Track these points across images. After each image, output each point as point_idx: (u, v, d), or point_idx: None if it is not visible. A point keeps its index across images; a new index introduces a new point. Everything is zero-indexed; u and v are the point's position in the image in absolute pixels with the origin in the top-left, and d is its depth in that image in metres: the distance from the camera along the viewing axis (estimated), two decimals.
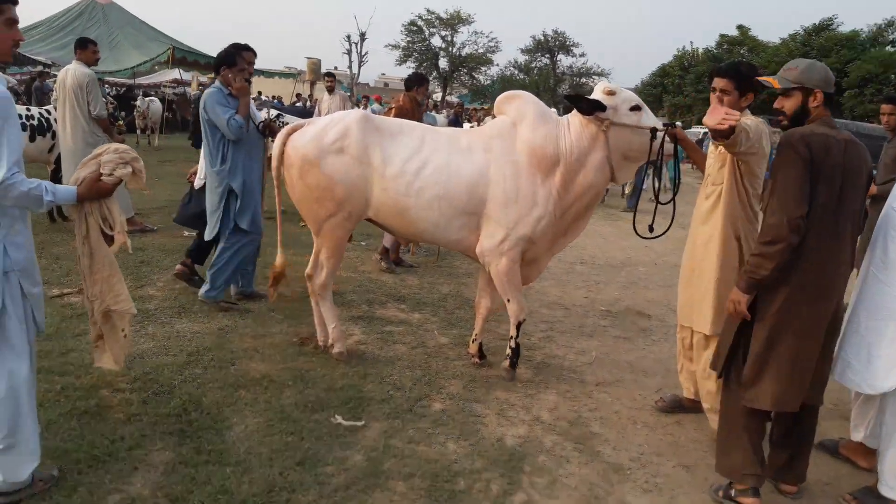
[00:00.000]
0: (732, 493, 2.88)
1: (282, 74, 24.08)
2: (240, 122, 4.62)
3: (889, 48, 29.91)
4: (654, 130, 3.62)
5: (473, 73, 48.78)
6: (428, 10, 46.93)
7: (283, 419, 3.35)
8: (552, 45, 50.51)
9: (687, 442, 3.54)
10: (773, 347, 2.70)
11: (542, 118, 3.83)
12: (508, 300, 4.00)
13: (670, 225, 3.79)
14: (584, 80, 50.94)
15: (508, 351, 4.15)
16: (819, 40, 32.40)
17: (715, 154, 3.36)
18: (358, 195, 3.86)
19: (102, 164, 2.69)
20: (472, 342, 4.34)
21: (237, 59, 4.78)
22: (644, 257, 8.42)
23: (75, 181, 2.64)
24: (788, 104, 2.76)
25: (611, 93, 3.72)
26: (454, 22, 47.08)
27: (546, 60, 51.23)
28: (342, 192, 3.83)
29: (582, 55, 50.93)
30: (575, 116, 3.79)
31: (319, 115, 9.92)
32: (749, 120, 3.10)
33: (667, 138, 3.62)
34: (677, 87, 43.10)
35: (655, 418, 3.79)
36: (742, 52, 39.48)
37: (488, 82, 49.04)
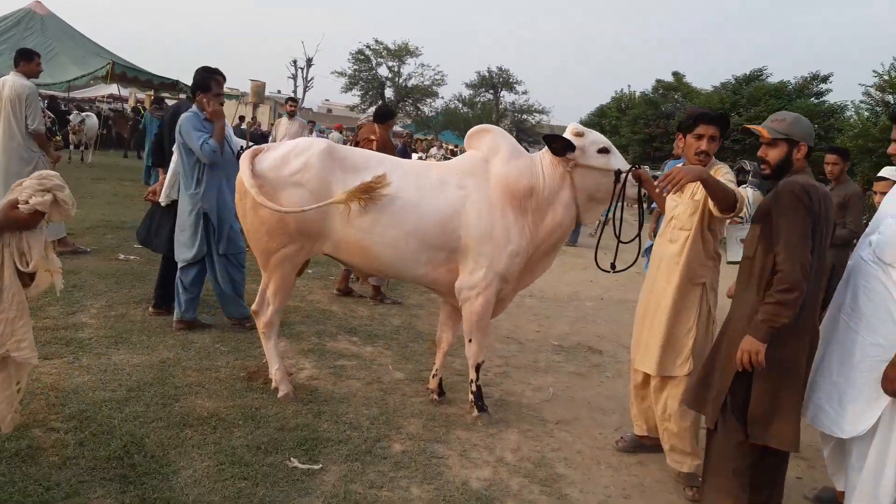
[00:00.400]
0: None
1: (225, 96, 23.55)
2: (213, 146, 4.62)
3: (814, 100, 31.69)
4: (618, 173, 3.65)
5: (419, 104, 49.13)
6: (376, 41, 47.22)
7: (234, 462, 3.13)
8: (496, 81, 51.55)
9: (652, 483, 3.49)
10: (784, 388, 2.72)
11: (515, 152, 3.80)
12: (470, 340, 3.89)
13: (634, 261, 3.80)
14: (525, 116, 52.17)
15: (471, 396, 4.03)
16: (749, 89, 33.96)
17: (683, 199, 3.39)
18: (314, 230, 3.70)
19: (22, 189, 2.43)
20: (433, 377, 4.21)
21: (211, 83, 4.78)
22: (590, 292, 8.50)
23: None
24: (773, 154, 2.81)
25: (579, 134, 3.72)
26: (401, 53, 47.41)
27: (490, 96, 52.20)
28: (296, 227, 3.66)
29: (524, 92, 51.95)
30: (546, 154, 3.78)
31: (276, 139, 9.73)
32: (731, 176, 3.27)
33: (632, 181, 3.65)
34: (614, 127, 44.46)
35: (618, 458, 3.74)
36: (676, 97, 41.15)
37: (433, 114, 49.50)
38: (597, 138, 3.75)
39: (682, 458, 3.42)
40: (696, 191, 3.33)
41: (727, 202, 3.05)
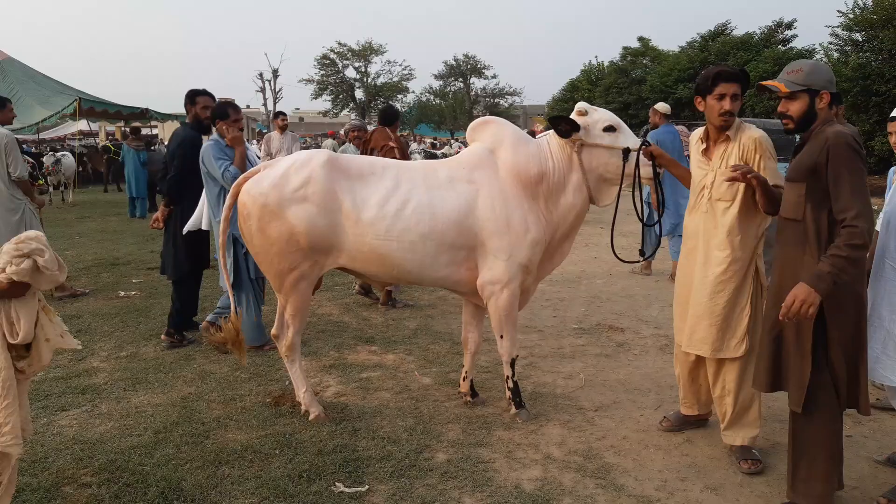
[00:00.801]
0: None
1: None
2: (234, 172, 4.65)
3: (780, 47, 31.73)
4: (626, 151, 3.53)
5: (391, 102, 48.87)
6: (339, 43, 46.83)
7: (278, 495, 3.01)
8: (464, 69, 51.33)
9: (705, 461, 3.40)
10: (860, 350, 2.61)
11: (520, 139, 3.69)
12: (502, 336, 3.79)
13: (656, 249, 3.70)
14: (498, 100, 52.02)
15: (508, 393, 3.93)
16: (716, 45, 33.98)
17: (713, 167, 3.22)
18: (326, 245, 3.57)
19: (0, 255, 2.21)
20: (463, 380, 4.10)
21: (228, 110, 4.93)
22: (597, 269, 8.41)
23: None
24: (795, 107, 2.67)
25: (582, 113, 3.62)
26: (366, 53, 47.08)
27: (460, 84, 51.97)
28: (308, 243, 3.53)
29: (494, 76, 51.94)
30: (553, 137, 3.67)
31: (271, 155, 9.57)
32: (768, 144, 3.14)
33: (645, 159, 3.54)
34: (587, 99, 44.26)
35: (665, 439, 3.64)
36: (645, 62, 41.10)
37: (406, 109, 49.26)
38: (602, 116, 3.64)
39: (737, 432, 3.32)
40: (730, 155, 3.16)
41: (773, 207, 2.95)
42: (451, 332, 5.60)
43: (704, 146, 3.29)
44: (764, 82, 2.75)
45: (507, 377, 3.91)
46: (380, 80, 48.08)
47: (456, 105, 49.84)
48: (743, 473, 3.25)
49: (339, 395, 4.27)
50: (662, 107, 8.17)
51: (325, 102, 48.43)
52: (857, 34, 22.33)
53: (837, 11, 22.23)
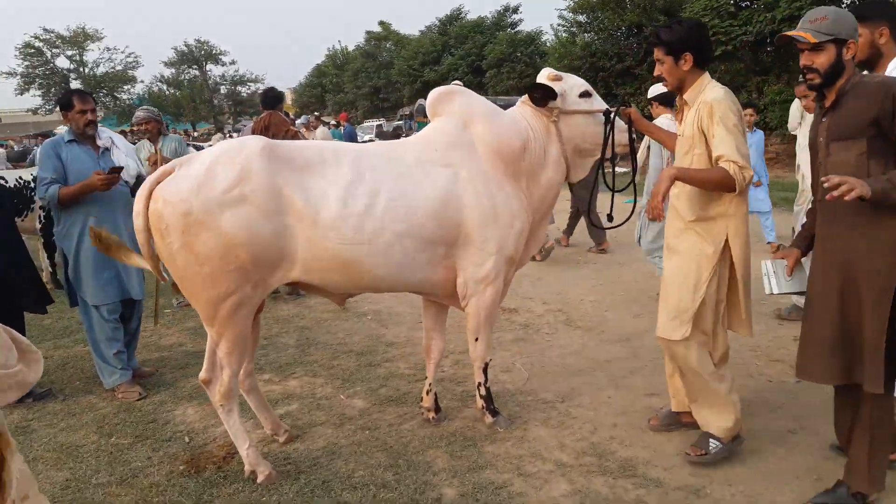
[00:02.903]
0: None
1: None
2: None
3: (510, 30, 34.28)
4: (607, 113, 3.25)
5: (115, 94, 43.61)
6: (45, 29, 40.43)
7: None
8: (198, 55, 47.69)
9: None
10: None
11: (494, 111, 3.20)
12: (477, 339, 3.32)
13: (630, 216, 3.48)
14: (239, 88, 49.31)
15: (480, 402, 3.50)
16: (455, 28, 35.73)
17: (681, 137, 2.99)
18: (273, 257, 2.79)
19: None
20: (427, 394, 3.55)
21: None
22: None
23: None
24: (821, 59, 2.47)
25: (556, 78, 3.23)
26: (80, 40, 41.29)
27: (195, 72, 48.20)
28: (250, 257, 2.73)
29: (233, 63, 49.00)
30: (526, 106, 3.25)
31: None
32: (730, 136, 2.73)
33: (621, 125, 3.29)
34: (336, 85, 43.99)
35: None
36: (388, 45, 41.79)
37: (135, 101, 44.31)
38: (576, 81, 3.29)
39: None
40: (689, 122, 2.86)
41: (724, 186, 2.71)
42: (343, 342, 4.94)
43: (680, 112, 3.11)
44: (788, 33, 2.58)
45: (480, 384, 3.47)
46: (100, 70, 42.62)
47: (194, 93, 46.18)
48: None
49: (266, 441, 3.45)
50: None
51: (35, 98, 41.69)
52: (581, 16, 24.79)
53: None
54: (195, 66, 47.99)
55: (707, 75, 2.88)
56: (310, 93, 47.39)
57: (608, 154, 3.25)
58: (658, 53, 2.87)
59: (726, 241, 2.86)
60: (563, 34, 26.07)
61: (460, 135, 3.12)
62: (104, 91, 42.51)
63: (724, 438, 2.99)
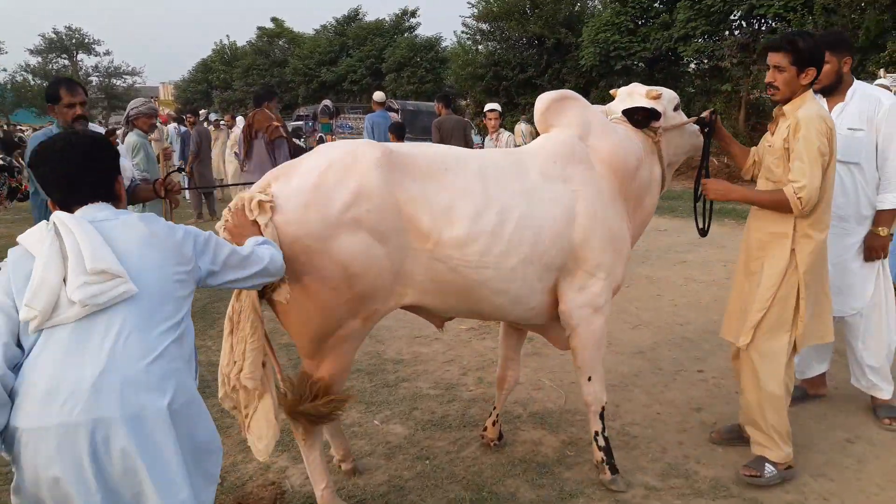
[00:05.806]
0: None
1: None
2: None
3: (407, 35, 34.22)
4: (701, 122, 3.16)
5: None
6: None
7: None
8: (68, 43, 44.02)
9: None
10: None
11: (609, 124, 2.99)
12: (590, 378, 2.96)
13: (709, 223, 3.37)
14: (114, 80, 46.01)
15: (599, 455, 3.00)
16: (353, 29, 35.19)
17: (772, 140, 2.96)
18: (386, 284, 2.47)
19: None
20: (493, 424, 3.33)
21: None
22: None
23: None
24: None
25: (657, 96, 3.07)
26: None
27: (65, 61, 44.47)
28: (365, 288, 2.41)
29: (107, 53, 45.46)
30: (627, 124, 3.07)
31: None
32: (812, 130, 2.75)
33: (696, 131, 3.25)
34: (224, 81, 42.07)
35: (699, 427, 3.50)
36: (281, 43, 40.50)
37: None
38: (671, 95, 3.15)
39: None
40: (789, 134, 2.82)
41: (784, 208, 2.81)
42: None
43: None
44: None
45: (597, 433, 3.01)
46: None
47: None
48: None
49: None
50: (378, 96, 9.08)
51: None
52: (485, 25, 25.14)
53: (467, 2, 24.56)
54: (65, 56, 44.29)
55: (811, 93, 2.90)
56: (195, 88, 45.00)
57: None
58: (780, 59, 2.80)
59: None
60: (467, 41, 26.28)
61: (579, 149, 2.85)
62: None
63: (780, 465, 2.99)
